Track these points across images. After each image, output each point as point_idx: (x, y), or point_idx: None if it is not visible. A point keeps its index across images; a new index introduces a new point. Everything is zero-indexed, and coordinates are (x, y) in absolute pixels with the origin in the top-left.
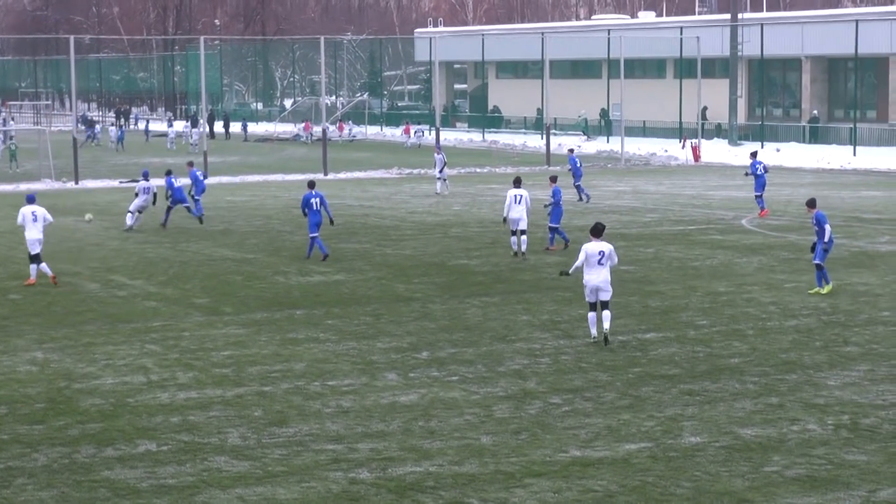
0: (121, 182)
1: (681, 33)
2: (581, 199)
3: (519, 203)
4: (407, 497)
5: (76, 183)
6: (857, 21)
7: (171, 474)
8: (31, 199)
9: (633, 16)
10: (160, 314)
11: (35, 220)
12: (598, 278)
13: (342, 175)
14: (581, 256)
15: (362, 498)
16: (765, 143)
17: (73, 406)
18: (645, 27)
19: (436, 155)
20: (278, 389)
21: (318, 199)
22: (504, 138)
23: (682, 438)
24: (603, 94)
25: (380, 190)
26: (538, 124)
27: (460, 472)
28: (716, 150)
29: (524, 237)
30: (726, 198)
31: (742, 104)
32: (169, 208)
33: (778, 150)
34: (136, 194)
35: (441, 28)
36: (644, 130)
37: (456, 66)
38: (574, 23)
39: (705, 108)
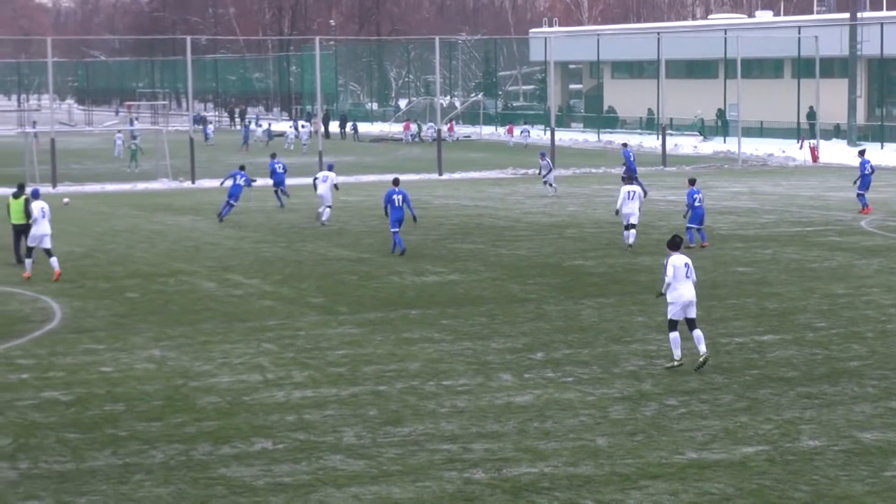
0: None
1: (799, 33)
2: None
3: (632, 199)
4: (522, 498)
5: (192, 182)
6: None
7: (286, 472)
8: (36, 193)
9: (751, 15)
10: (276, 313)
11: (44, 215)
12: (690, 293)
13: (457, 175)
14: (669, 271)
15: (477, 498)
16: (884, 143)
17: (189, 404)
18: (762, 26)
19: (540, 161)
20: (393, 389)
21: (400, 197)
22: (619, 138)
23: (801, 442)
24: (719, 95)
25: (494, 190)
26: (653, 124)
27: (576, 474)
28: (834, 151)
29: (633, 231)
30: (845, 199)
31: (861, 104)
32: (276, 192)
33: None
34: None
35: (556, 28)
36: (761, 131)
37: (571, 66)
38: (690, 22)
39: (812, 109)
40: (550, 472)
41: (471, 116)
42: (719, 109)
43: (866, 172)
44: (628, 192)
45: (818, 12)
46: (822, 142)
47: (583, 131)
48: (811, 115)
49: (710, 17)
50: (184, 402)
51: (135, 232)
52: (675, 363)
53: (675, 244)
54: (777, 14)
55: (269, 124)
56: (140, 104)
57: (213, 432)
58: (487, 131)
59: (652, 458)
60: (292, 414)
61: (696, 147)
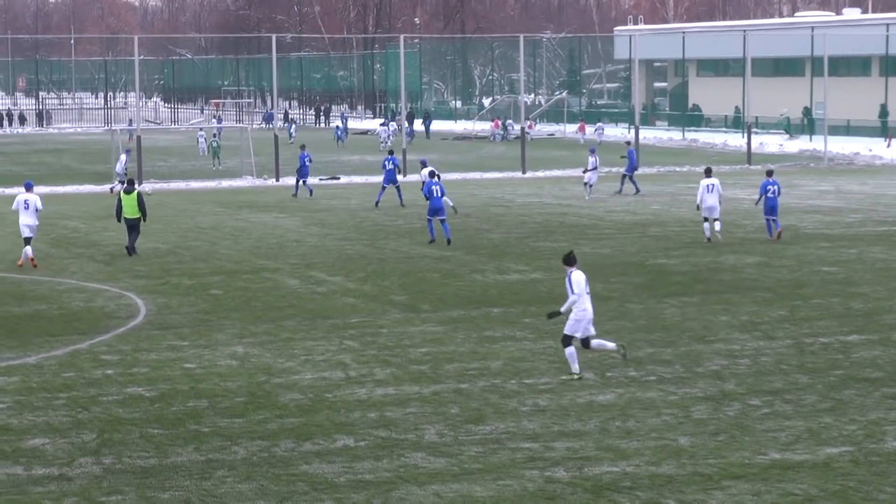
0: (320, 179)
1: (887, 30)
2: (636, 191)
3: (711, 192)
4: (603, 497)
5: (276, 180)
6: None
7: (367, 469)
8: (28, 186)
9: (838, 12)
10: (358, 310)
11: (27, 207)
12: (591, 309)
13: (540, 174)
14: (576, 288)
15: (558, 497)
16: None
17: (272, 400)
18: (850, 24)
19: (590, 157)
20: (475, 387)
21: (438, 188)
22: (704, 137)
23: (886, 443)
24: (805, 93)
25: (577, 188)
26: (738, 123)
27: (657, 473)
28: None
29: (717, 223)
30: None
31: None
32: (297, 182)
33: None
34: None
35: (641, 26)
36: (848, 129)
37: (656, 63)
38: (777, 20)
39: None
40: (632, 471)
41: (554, 114)
42: (805, 107)
43: None
44: (707, 185)
45: None
46: None
47: (667, 129)
48: (882, 112)
49: (796, 14)
50: (266, 399)
51: (219, 229)
52: (574, 376)
53: (570, 260)
54: (865, 11)
55: (346, 121)
56: (225, 102)
57: (295, 429)
58: (571, 129)
59: (734, 458)
60: (374, 411)
61: (781, 145)
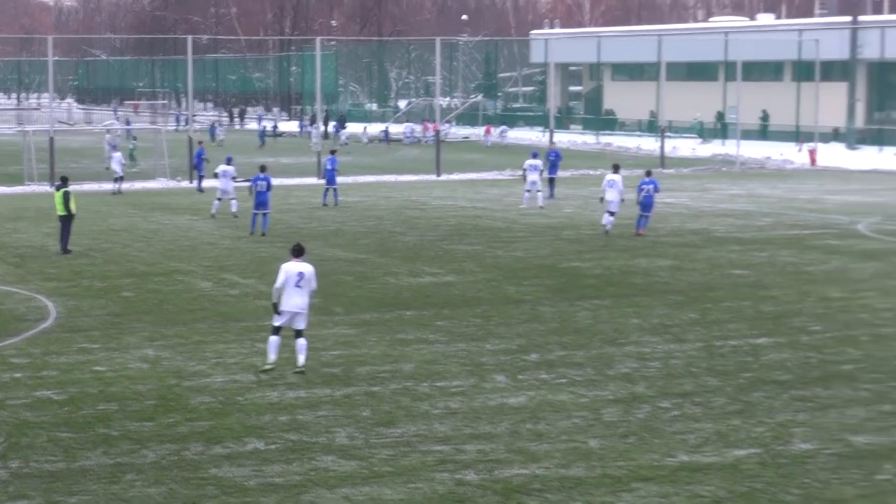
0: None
1: (799, 36)
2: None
3: (612, 187)
4: (513, 499)
5: (191, 182)
6: None
7: (278, 473)
8: None
9: (752, 18)
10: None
11: None
12: (298, 302)
13: (454, 176)
14: (280, 277)
15: (468, 499)
16: (883, 147)
17: (182, 403)
18: (763, 29)
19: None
20: (387, 390)
21: (264, 182)
22: (618, 141)
23: (793, 445)
24: (719, 97)
25: (492, 191)
26: (652, 127)
27: (567, 476)
28: (833, 154)
29: (612, 218)
30: (843, 202)
31: (861, 108)
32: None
33: None
34: (215, 175)
35: (557, 30)
36: (760, 134)
37: (571, 67)
38: (691, 25)
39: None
40: (542, 473)
41: (470, 117)
42: (718, 112)
43: None
44: (609, 180)
45: (819, 15)
46: (820, 145)
47: (582, 133)
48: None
49: (711, 19)
50: (177, 402)
51: (131, 231)
52: (268, 366)
53: (295, 251)
54: (778, 17)
55: (276, 124)
56: (139, 103)
57: (206, 432)
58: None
59: (644, 460)
60: (285, 414)
61: (694, 149)
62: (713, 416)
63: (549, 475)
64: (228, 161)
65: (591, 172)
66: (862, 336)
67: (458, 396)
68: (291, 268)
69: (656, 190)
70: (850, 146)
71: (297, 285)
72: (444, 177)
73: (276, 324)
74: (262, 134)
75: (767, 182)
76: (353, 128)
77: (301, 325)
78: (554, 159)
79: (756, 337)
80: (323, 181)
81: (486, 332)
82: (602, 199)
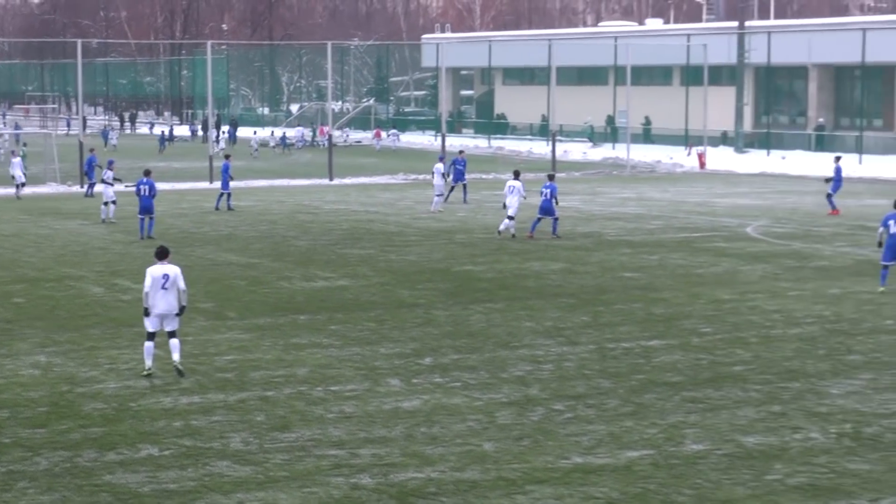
0: (126, 186)
1: (688, 41)
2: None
3: (511, 193)
4: (408, 503)
5: (82, 186)
6: (863, 29)
7: (172, 479)
8: None
9: (641, 23)
10: None
11: None
12: (166, 305)
13: (347, 180)
14: (147, 281)
15: None
16: (771, 150)
17: (75, 410)
18: (652, 34)
19: (437, 165)
20: (281, 394)
21: (147, 187)
22: (510, 145)
23: (685, 446)
24: (609, 101)
25: (385, 195)
26: (544, 131)
27: (462, 479)
28: (721, 158)
29: (510, 222)
30: (731, 205)
31: (748, 112)
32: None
33: (783, 158)
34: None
35: (448, 34)
36: (650, 137)
37: (462, 72)
38: (581, 29)
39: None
40: (437, 477)
41: (363, 122)
42: (609, 116)
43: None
44: (509, 186)
45: (707, 21)
46: (709, 148)
47: (474, 137)
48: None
49: (600, 24)
50: (69, 409)
51: (21, 236)
52: (146, 372)
53: (159, 254)
54: (667, 22)
55: (172, 128)
56: (29, 107)
57: (99, 439)
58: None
59: (538, 462)
60: (179, 420)
61: (585, 153)
62: (606, 417)
63: (444, 478)
64: (110, 165)
65: (484, 177)
66: (751, 337)
67: (352, 400)
68: (156, 271)
69: (552, 195)
70: (739, 150)
71: (164, 287)
72: (336, 181)
73: (149, 329)
74: (163, 139)
75: (657, 185)
76: (244, 132)
77: (172, 326)
78: (461, 167)
79: (648, 339)
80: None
81: (379, 336)
82: (505, 206)
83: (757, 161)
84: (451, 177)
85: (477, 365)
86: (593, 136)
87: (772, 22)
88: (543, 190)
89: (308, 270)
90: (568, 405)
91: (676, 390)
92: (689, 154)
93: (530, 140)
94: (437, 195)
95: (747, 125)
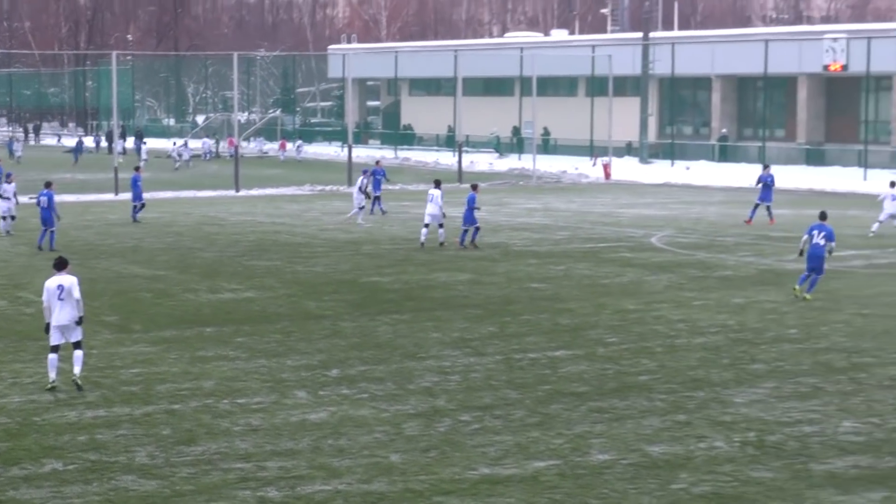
0: (29, 198)
1: (593, 52)
2: (376, 212)
3: (431, 201)
4: None
5: None
6: (766, 41)
7: (77, 494)
8: None
9: (546, 34)
10: None
11: None
12: (64, 316)
13: (254, 192)
14: (44, 294)
15: None
16: (675, 161)
17: None
18: (557, 45)
19: (364, 179)
20: (187, 408)
21: (46, 198)
22: (416, 155)
23: (591, 456)
24: (515, 112)
25: (291, 207)
26: (450, 142)
27: (369, 491)
28: (626, 168)
29: (426, 230)
30: (636, 216)
31: (653, 122)
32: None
33: (688, 169)
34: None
35: (354, 45)
36: (555, 148)
37: (369, 82)
38: (487, 40)
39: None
40: (344, 489)
41: (269, 132)
42: (515, 127)
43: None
44: (429, 195)
45: (612, 32)
46: (614, 159)
47: (380, 148)
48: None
49: (506, 35)
50: None
51: None
52: (50, 385)
53: (57, 265)
54: (572, 33)
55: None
56: None
57: (2, 454)
58: (289, 147)
59: (445, 474)
60: (84, 434)
61: (491, 164)
62: (513, 428)
63: (352, 490)
64: (8, 178)
65: (390, 188)
66: (657, 347)
67: (259, 413)
68: (52, 283)
69: (470, 205)
70: (643, 160)
71: (60, 298)
72: (243, 192)
73: (52, 342)
74: (77, 150)
75: (563, 196)
76: (151, 143)
77: (76, 337)
78: (380, 177)
79: (554, 349)
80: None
81: (286, 348)
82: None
83: (661, 171)
84: (372, 187)
85: (384, 376)
86: (499, 147)
87: (676, 33)
88: (468, 200)
89: (214, 282)
90: (475, 416)
91: (582, 400)
92: (594, 165)
93: (437, 151)
94: (359, 207)
95: (652, 136)
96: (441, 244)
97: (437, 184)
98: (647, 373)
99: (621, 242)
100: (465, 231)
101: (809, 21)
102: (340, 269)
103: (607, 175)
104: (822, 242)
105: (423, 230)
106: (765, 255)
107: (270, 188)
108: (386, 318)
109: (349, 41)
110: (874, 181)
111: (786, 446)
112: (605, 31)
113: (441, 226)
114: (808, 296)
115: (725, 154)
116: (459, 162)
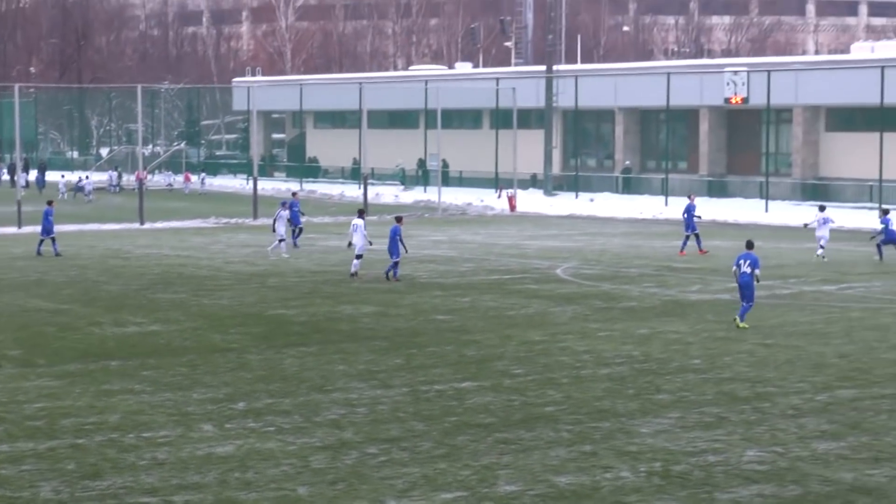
0: None
1: (497, 84)
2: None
3: (355, 231)
4: None
5: None
6: (668, 74)
7: None
8: None
9: (451, 67)
10: None
11: None
12: None
13: (159, 225)
14: None
15: None
16: (579, 193)
17: None
18: (462, 78)
19: (281, 210)
20: (92, 442)
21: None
22: (322, 188)
23: (498, 487)
24: (420, 144)
25: (197, 239)
26: (356, 174)
27: None
28: (531, 201)
29: (358, 262)
30: (542, 247)
31: (557, 155)
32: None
33: (592, 200)
34: None
35: (259, 77)
36: (461, 181)
37: (274, 115)
38: (392, 73)
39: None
40: None
41: (174, 165)
42: (420, 159)
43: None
44: (353, 224)
45: (516, 65)
46: (519, 191)
47: (286, 181)
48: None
49: (411, 68)
50: None
51: None
52: None
53: None
54: (476, 66)
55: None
56: None
57: None
58: (194, 180)
59: None
60: None
61: (397, 196)
62: (420, 460)
63: None
64: None
65: None
66: (562, 378)
67: (165, 447)
68: None
69: (392, 236)
70: (548, 192)
71: None
72: (148, 225)
73: None
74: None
75: (469, 228)
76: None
77: None
78: (296, 209)
79: (460, 381)
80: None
81: (192, 381)
82: (350, 245)
83: (566, 203)
84: (292, 220)
85: (291, 409)
86: (405, 180)
87: (579, 66)
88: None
89: (119, 316)
90: (382, 448)
91: (489, 432)
92: (499, 197)
93: (342, 183)
94: (279, 240)
95: (556, 168)
96: (352, 275)
97: (361, 213)
98: (553, 404)
99: (527, 274)
100: (396, 263)
101: (710, 55)
102: (246, 302)
103: (512, 207)
104: (748, 271)
105: (356, 262)
106: (668, 286)
107: (175, 221)
108: (292, 351)
109: (254, 74)
110: (775, 212)
111: (691, 476)
112: (509, 65)
113: (360, 257)
114: (739, 322)
115: (629, 186)
116: (365, 194)
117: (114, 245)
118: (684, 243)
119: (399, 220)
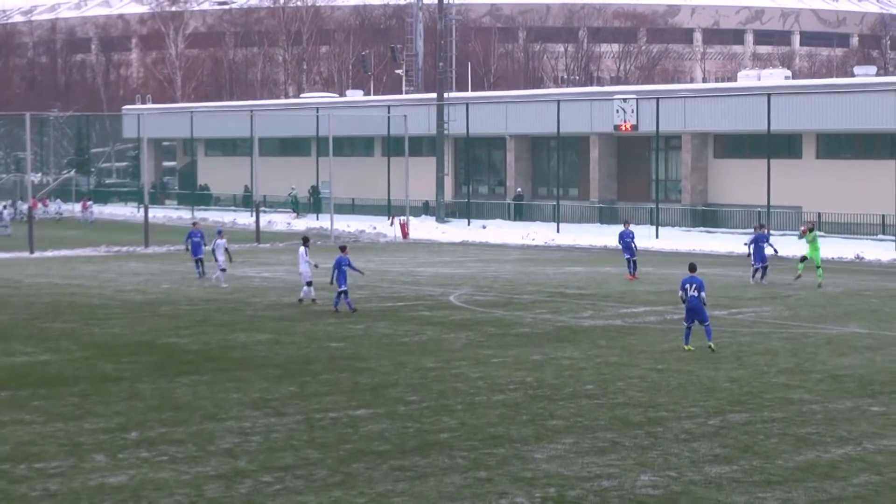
0: None
1: (388, 112)
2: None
3: (301, 260)
4: None
5: None
6: (558, 101)
7: None
8: None
9: (342, 94)
10: None
11: None
12: None
13: (49, 253)
14: None
15: None
16: (471, 220)
17: None
18: (353, 105)
19: (217, 239)
20: None
21: None
22: (213, 216)
23: None
24: (312, 172)
25: (87, 268)
26: (248, 201)
27: None
28: (424, 228)
29: (309, 288)
30: (435, 274)
31: (449, 182)
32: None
33: (484, 227)
34: None
35: (149, 105)
36: (353, 208)
37: (165, 142)
38: (283, 101)
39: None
40: None
41: (63, 193)
42: (312, 186)
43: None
44: (300, 251)
45: (407, 92)
46: (411, 218)
47: (177, 208)
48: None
49: (302, 95)
50: None
51: None
52: None
53: None
54: (367, 94)
55: None
56: None
57: None
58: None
59: None
60: None
61: (289, 223)
62: (315, 488)
63: None
64: None
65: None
66: (457, 405)
67: (56, 478)
68: None
69: (337, 266)
70: (440, 219)
71: None
72: (37, 254)
73: None
74: None
75: (362, 255)
76: None
77: None
78: (198, 239)
79: (355, 408)
80: None
81: (84, 411)
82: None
83: (458, 230)
84: (191, 250)
85: (184, 438)
86: (297, 207)
87: (470, 94)
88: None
89: (8, 345)
90: (277, 476)
91: (384, 459)
92: (391, 224)
93: (234, 211)
94: (221, 269)
95: (448, 195)
96: (300, 301)
97: (305, 241)
98: (447, 430)
99: (420, 301)
100: (345, 292)
101: (600, 82)
102: (138, 331)
103: (405, 234)
104: (696, 294)
105: (305, 289)
106: (561, 312)
107: (66, 250)
108: (185, 380)
109: (144, 101)
110: (666, 239)
111: (585, 501)
112: (400, 92)
113: (310, 284)
114: (711, 345)
115: (521, 213)
116: (257, 222)
117: (2, 274)
118: (632, 268)
119: (343, 249)
